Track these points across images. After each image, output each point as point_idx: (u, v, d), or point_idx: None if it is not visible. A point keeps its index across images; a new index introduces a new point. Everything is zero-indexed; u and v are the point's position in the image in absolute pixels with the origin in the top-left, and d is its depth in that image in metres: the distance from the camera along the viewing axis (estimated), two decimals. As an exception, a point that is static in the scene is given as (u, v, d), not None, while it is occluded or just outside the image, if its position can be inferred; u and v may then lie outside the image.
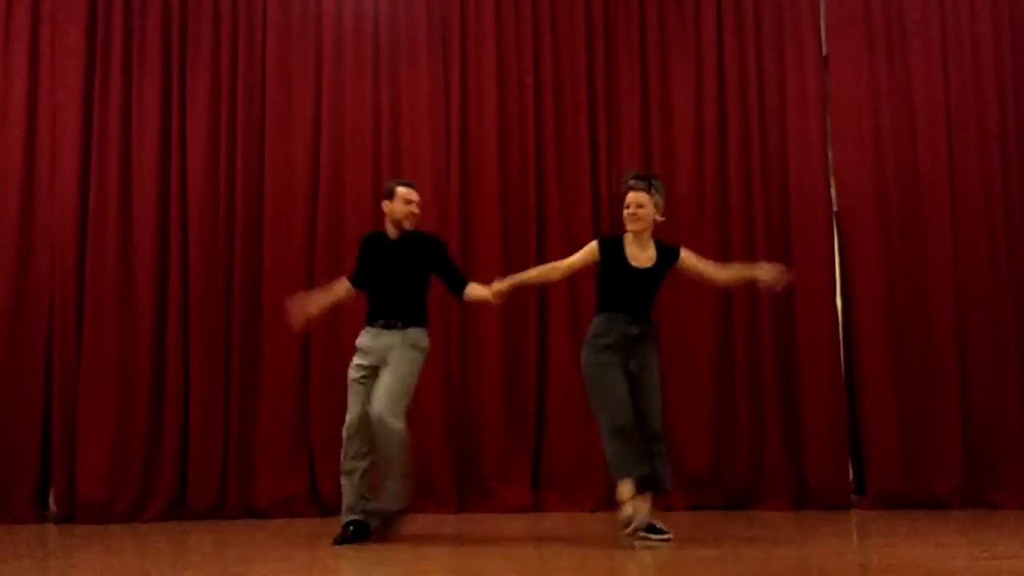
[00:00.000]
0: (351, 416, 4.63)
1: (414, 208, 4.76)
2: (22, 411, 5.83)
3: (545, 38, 6.33)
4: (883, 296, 5.99)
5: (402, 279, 4.73)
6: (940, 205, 6.03)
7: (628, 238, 4.53)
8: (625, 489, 4.27)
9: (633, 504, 4.27)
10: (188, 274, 6.01)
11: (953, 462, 5.81)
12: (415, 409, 5.98)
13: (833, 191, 6.17)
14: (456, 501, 5.89)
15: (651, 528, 4.34)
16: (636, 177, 4.57)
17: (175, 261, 6.00)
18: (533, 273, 4.82)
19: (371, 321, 4.74)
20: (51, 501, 5.94)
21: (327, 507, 5.89)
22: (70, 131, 6.03)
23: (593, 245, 4.58)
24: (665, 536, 4.33)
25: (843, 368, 6.06)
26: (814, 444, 5.90)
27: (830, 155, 6.19)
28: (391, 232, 4.78)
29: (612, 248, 4.52)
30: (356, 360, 4.69)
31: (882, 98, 6.16)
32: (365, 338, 4.71)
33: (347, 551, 4.40)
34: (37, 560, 4.37)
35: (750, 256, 6.08)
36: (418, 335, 4.72)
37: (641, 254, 4.51)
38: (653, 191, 4.51)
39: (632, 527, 4.28)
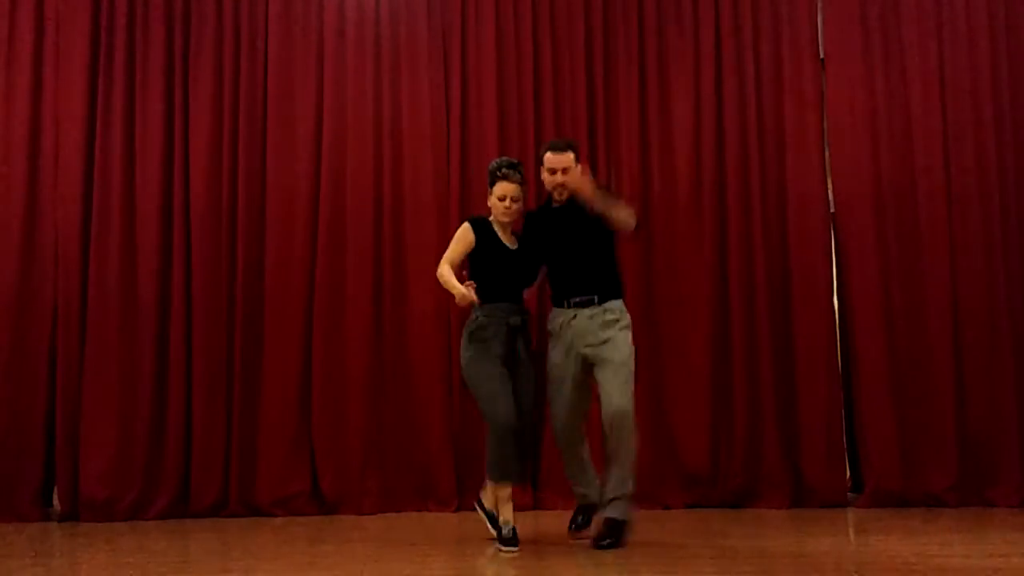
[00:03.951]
0: None
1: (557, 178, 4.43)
2: (26, 409, 5.87)
3: (545, 40, 6.35)
4: (880, 296, 6.03)
5: None
6: (937, 205, 6.07)
7: (496, 225, 4.47)
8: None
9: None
10: (191, 274, 6.05)
11: (949, 460, 5.85)
12: (415, 409, 6.05)
13: (830, 192, 6.21)
14: (456, 501, 5.92)
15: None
16: (511, 166, 4.43)
17: (178, 262, 6.03)
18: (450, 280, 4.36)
19: None
20: (55, 499, 5.99)
21: (329, 505, 5.93)
22: (74, 135, 6.06)
23: (466, 226, 4.44)
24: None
25: (840, 367, 6.10)
26: (811, 443, 5.94)
27: (827, 156, 6.22)
28: None
29: (483, 229, 4.43)
30: None
31: (879, 99, 6.19)
32: None
33: (350, 549, 4.43)
34: (41, 558, 4.40)
35: (749, 257, 6.14)
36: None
37: (509, 237, 4.49)
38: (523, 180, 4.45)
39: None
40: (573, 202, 4.41)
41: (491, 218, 4.52)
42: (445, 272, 4.33)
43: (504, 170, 4.41)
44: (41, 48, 6.15)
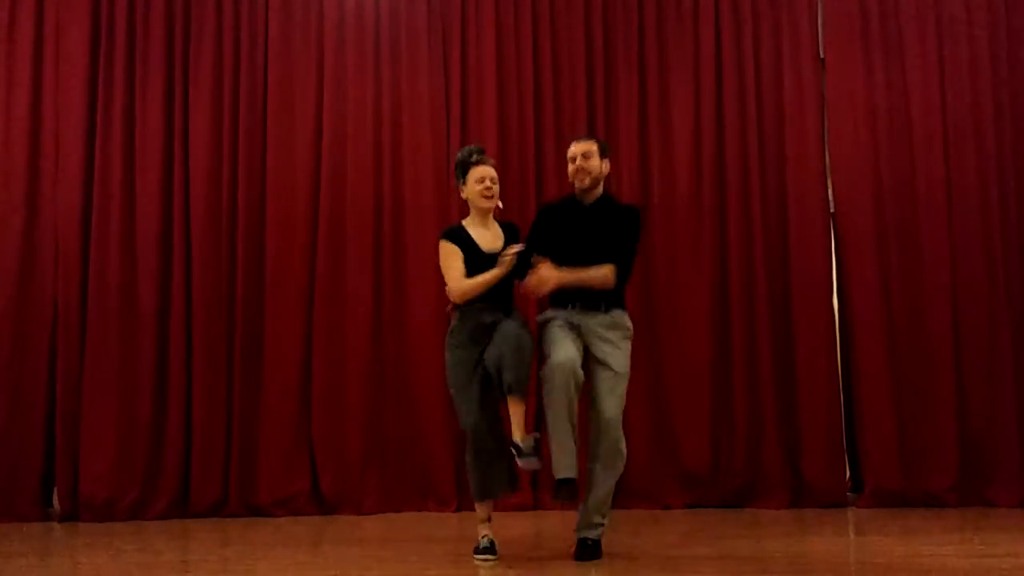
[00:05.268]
0: None
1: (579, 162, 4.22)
2: (26, 410, 5.87)
3: (545, 40, 6.35)
4: (880, 296, 6.03)
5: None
6: (937, 207, 6.07)
7: (470, 224, 4.24)
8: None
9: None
10: (191, 274, 6.05)
11: (949, 460, 5.85)
12: (416, 408, 6.05)
13: (830, 193, 6.21)
14: (456, 501, 5.92)
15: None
16: (480, 151, 4.25)
17: (178, 261, 6.04)
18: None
19: None
20: (55, 499, 5.98)
21: (329, 505, 5.93)
22: (74, 134, 6.06)
23: (444, 242, 4.23)
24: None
25: (840, 367, 6.10)
26: (811, 443, 5.94)
27: (827, 157, 6.22)
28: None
29: (459, 237, 4.21)
30: None
31: (879, 100, 6.19)
32: None
33: (348, 550, 4.43)
34: (41, 558, 4.40)
35: (749, 257, 6.14)
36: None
37: (487, 234, 4.24)
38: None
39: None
40: (599, 201, 4.26)
41: (465, 220, 4.31)
42: (469, 281, 4.13)
43: (476, 156, 4.21)
44: (41, 48, 6.15)
